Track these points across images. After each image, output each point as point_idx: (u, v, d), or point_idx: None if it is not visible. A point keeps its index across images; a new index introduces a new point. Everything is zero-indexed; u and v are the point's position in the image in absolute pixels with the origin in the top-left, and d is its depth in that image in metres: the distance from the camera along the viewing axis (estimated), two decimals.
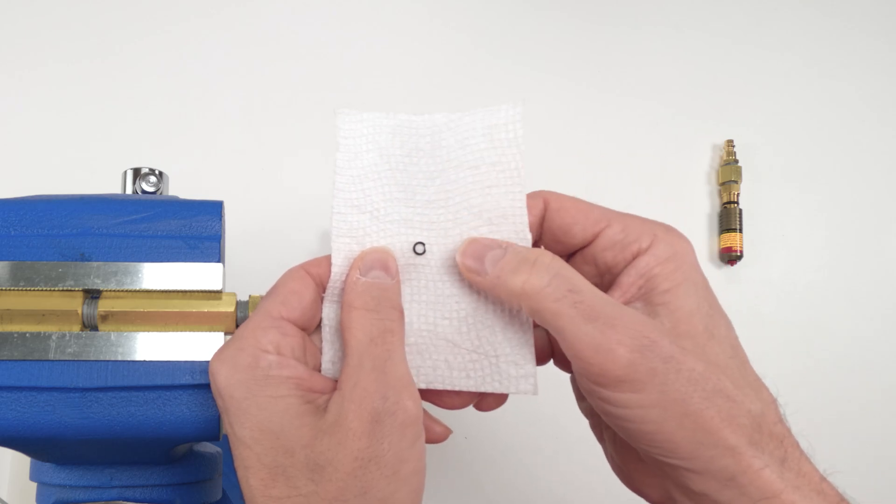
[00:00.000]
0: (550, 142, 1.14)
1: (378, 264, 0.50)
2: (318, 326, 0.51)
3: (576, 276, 0.46)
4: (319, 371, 0.51)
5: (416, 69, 1.17)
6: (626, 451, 0.52)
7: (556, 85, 1.17)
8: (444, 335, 0.51)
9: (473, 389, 0.51)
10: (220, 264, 0.56)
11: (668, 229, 0.49)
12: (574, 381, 0.56)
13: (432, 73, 1.17)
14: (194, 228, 0.57)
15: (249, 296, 0.57)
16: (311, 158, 1.12)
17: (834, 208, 1.13)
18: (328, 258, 0.52)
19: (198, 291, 0.55)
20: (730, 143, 1.12)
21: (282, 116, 1.13)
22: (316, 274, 0.51)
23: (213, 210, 0.58)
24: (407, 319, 0.51)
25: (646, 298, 0.47)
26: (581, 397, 0.57)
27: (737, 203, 1.09)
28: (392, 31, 1.19)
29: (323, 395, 0.47)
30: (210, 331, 0.55)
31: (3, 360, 0.53)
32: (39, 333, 0.53)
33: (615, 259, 0.49)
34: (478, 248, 0.49)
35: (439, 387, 0.51)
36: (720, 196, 1.11)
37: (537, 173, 1.10)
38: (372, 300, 0.47)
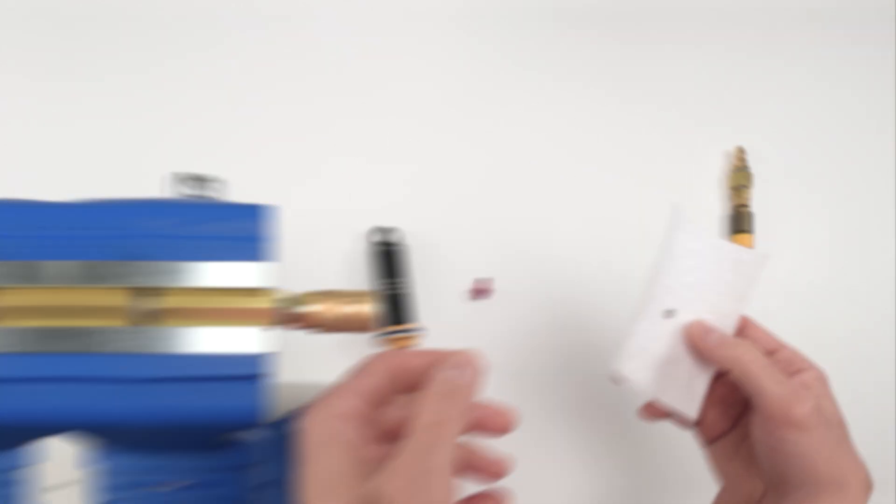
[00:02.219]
0: (572, 147, 1.13)
1: (462, 365, 0.49)
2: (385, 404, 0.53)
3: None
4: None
5: (450, 80, 1.17)
6: (750, 485, 0.69)
7: (578, 95, 1.16)
8: (672, 362, 0.70)
9: (667, 402, 0.70)
10: (261, 263, 0.55)
11: (814, 364, 0.71)
12: (712, 454, 0.75)
13: (465, 84, 1.17)
14: (236, 229, 0.56)
15: (289, 292, 0.57)
16: (351, 167, 1.11)
17: (838, 211, 1.12)
18: (406, 353, 0.54)
19: (241, 289, 0.54)
20: (741, 150, 1.11)
21: (324, 127, 1.13)
22: (393, 365, 0.52)
23: (254, 213, 0.57)
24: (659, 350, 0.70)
25: None
26: (708, 443, 0.75)
27: (748, 206, 1.08)
28: (428, 47, 1.18)
29: (376, 463, 0.46)
30: (252, 326, 0.54)
31: (59, 353, 0.52)
32: (86, 328, 0.52)
33: (783, 372, 0.65)
34: (705, 326, 0.69)
35: (655, 394, 0.70)
36: (732, 200, 1.10)
37: (559, 178, 1.10)
38: (446, 391, 0.48)
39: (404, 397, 0.52)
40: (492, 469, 0.54)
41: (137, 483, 0.62)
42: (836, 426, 0.64)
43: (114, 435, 0.57)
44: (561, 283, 1.07)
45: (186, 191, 0.72)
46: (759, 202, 1.10)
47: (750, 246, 1.07)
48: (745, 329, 0.70)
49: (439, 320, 1.04)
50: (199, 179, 0.73)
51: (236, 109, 1.13)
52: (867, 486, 0.62)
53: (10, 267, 0.53)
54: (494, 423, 0.53)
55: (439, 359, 0.51)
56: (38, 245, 0.54)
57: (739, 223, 1.07)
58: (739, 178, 1.09)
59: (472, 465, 0.54)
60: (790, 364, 0.67)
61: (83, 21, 1.15)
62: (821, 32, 1.21)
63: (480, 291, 1.03)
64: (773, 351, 0.68)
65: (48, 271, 0.53)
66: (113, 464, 0.62)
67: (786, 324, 1.03)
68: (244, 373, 0.53)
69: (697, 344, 0.68)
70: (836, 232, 1.12)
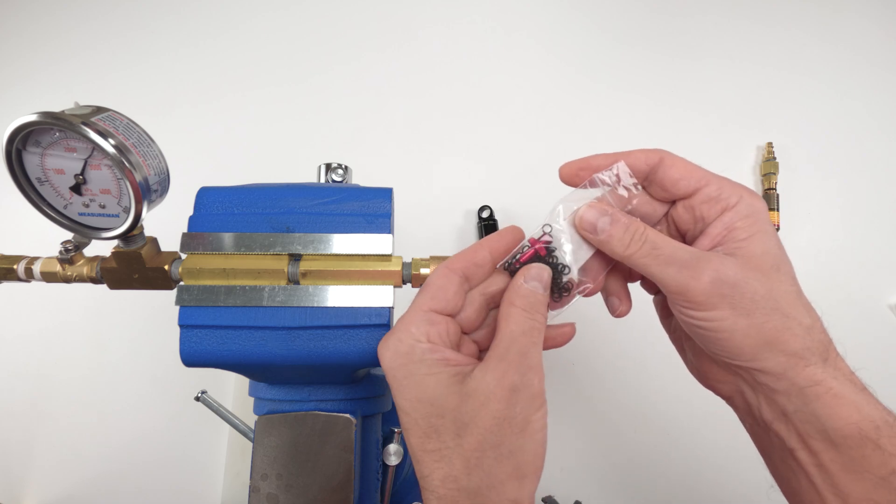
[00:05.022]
0: (635, 146, 1.08)
1: (537, 278, 0.48)
2: (465, 307, 0.49)
3: (657, 236, 0.47)
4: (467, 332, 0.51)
5: (538, 93, 1.16)
6: (703, 357, 0.53)
7: (639, 104, 1.16)
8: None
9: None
10: (390, 235, 0.55)
11: (751, 192, 0.48)
12: (656, 304, 0.58)
13: (546, 92, 1.16)
14: (371, 208, 0.56)
15: (412, 258, 0.56)
16: (457, 157, 1.11)
17: (847, 193, 1.11)
18: (463, 254, 0.50)
19: (373, 255, 0.54)
20: (770, 144, 1.10)
21: (436, 127, 1.13)
22: (458, 269, 0.49)
23: (385, 195, 0.57)
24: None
25: (726, 244, 0.47)
26: (664, 316, 0.58)
27: (775, 189, 1.07)
28: (519, 64, 1.18)
29: (468, 366, 0.46)
30: (382, 284, 0.53)
31: (229, 307, 0.52)
32: (256, 286, 0.53)
33: (709, 211, 0.48)
34: (590, 223, 0.49)
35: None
36: (762, 184, 1.08)
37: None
38: (528, 304, 0.47)
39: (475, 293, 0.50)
40: (559, 339, 0.53)
41: (291, 410, 0.62)
42: (763, 277, 0.45)
43: (273, 372, 0.57)
44: None
45: (332, 177, 0.71)
46: (784, 186, 1.08)
47: (777, 222, 1.06)
48: (661, 165, 0.50)
49: None
50: (342, 168, 0.73)
51: (369, 115, 1.14)
52: (807, 335, 0.45)
53: (204, 238, 0.54)
54: (560, 336, 0.53)
55: (521, 271, 0.49)
56: (225, 220, 0.55)
57: (769, 202, 1.06)
58: (769, 167, 1.08)
59: (546, 339, 0.51)
60: (715, 202, 0.48)
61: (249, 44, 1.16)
62: (835, 50, 1.19)
63: None
64: (698, 189, 0.49)
65: (230, 241, 0.54)
66: (273, 395, 0.63)
67: (806, 279, 1.02)
68: (379, 322, 0.52)
69: (590, 240, 0.49)
70: (845, 209, 1.10)
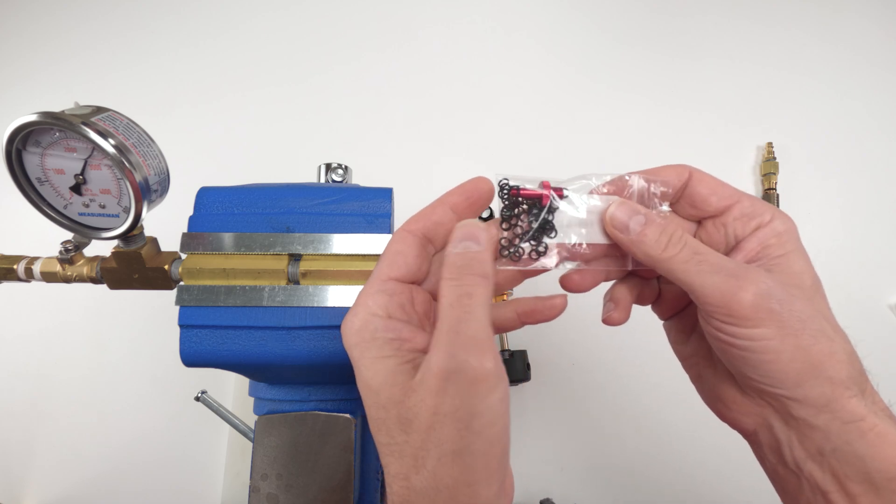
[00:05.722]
0: (635, 146, 1.12)
1: (468, 236, 0.41)
2: (435, 272, 0.44)
3: (698, 243, 0.43)
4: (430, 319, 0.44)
5: (538, 93, 1.16)
6: (726, 386, 0.47)
7: (639, 104, 1.15)
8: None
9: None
10: (390, 235, 0.53)
11: (782, 211, 0.44)
12: (668, 329, 0.53)
13: (548, 95, 1.16)
14: (371, 208, 0.56)
15: None
16: (457, 157, 1.11)
17: (847, 193, 1.10)
18: (422, 213, 0.43)
19: (373, 255, 0.54)
20: (770, 144, 1.09)
21: (436, 127, 1.13)
22: (416, 230, 0.43)
23: (385, 195, 0.57)
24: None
25: (763, 260, 0.43)
26: (678, 342, 0.52)
27: (775, 189, 1.07)
28: (519, 64, 1.18)
29: (424, 353, 0.39)
30: None
31: (229, 307, 0.52)
32: (256, 286, 0.53)
33: (742, 228, 0.44)
34: (622, 221, 0.44)
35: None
36: (763, 184, 1.08)
37: (627, 169, 1.09)
38: (455, 270, 0.39)
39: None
40: (549, 312, 0.46)
41: (291, 410, 0.62)
42: (805, 295, 0.42)
43: (273, 372, 0.57)
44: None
45: (332, 177, 0.71)
46: (784, 186, 1.08)
47: None
48: (690, 181, 0.45)
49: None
50: (342, 168, 0.72)
51: (369, 115, 1.14)
52: (851, 363, 0.41)
53: (204, 238, 0.54)
54: (548, 309, 0.46)
55: (451, 238, 0.42)
56: (225, 220, 0.55)
57: (768, 202, 1.02)
58: (769, 167, 1.07)
59: (534, 312, 0.46)
60: (749, 219, 0.44)
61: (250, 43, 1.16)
62: (835, 50, 1.19)
63: None
64: (729, 206, 0.44)
65: (230, 241, 0.54)
66: (273, 395, 0.63)
67: None
68: None
69: (618, 239, 0.44)
70: (845, 209, 1.09)
